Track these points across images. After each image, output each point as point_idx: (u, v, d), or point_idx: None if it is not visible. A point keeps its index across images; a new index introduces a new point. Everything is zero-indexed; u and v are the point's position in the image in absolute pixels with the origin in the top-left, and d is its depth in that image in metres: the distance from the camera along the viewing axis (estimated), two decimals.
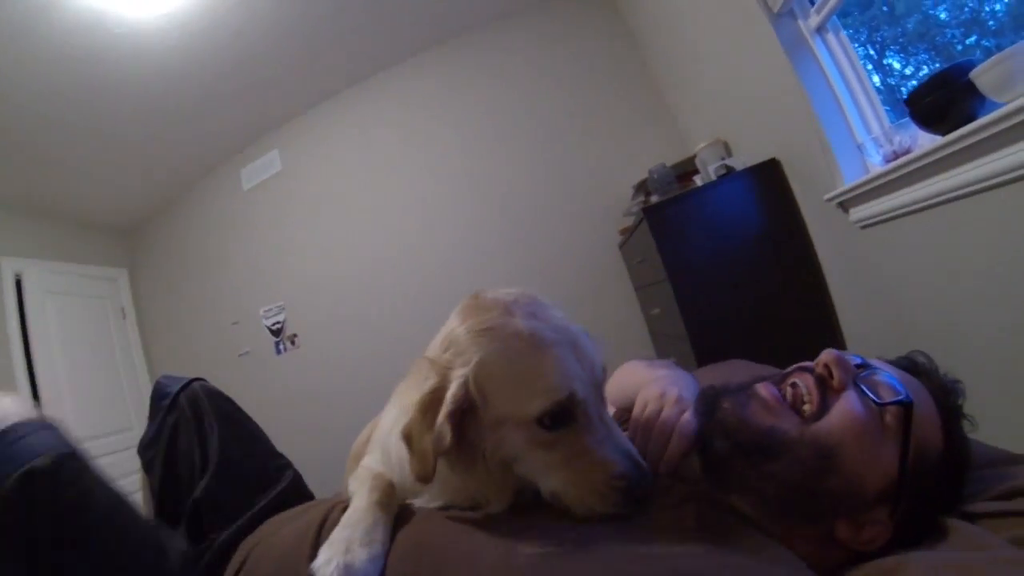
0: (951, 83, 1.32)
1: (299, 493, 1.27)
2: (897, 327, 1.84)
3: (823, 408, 0.69)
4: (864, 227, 1.82)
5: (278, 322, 4.45)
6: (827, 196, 1.91)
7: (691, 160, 2.86)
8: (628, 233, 3.06)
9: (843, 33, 1.89)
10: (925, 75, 1.88)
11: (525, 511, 0.73)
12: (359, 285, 4.20)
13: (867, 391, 0.68)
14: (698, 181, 2.66)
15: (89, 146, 3.75)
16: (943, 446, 0.67)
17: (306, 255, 4.37)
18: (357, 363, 4.14)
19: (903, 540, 0.64)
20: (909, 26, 1.94)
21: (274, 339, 4.46)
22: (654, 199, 2.74)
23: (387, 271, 4.12)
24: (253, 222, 4.55)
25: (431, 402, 0.71)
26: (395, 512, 0.79)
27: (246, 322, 4.55)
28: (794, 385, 0.73)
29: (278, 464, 1.32)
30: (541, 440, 0.69)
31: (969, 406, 0.72)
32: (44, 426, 1.02)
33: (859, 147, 1.83)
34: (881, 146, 1.65)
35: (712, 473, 0.74)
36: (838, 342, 2.19)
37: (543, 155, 3.83)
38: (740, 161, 2.47)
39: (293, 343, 4.40)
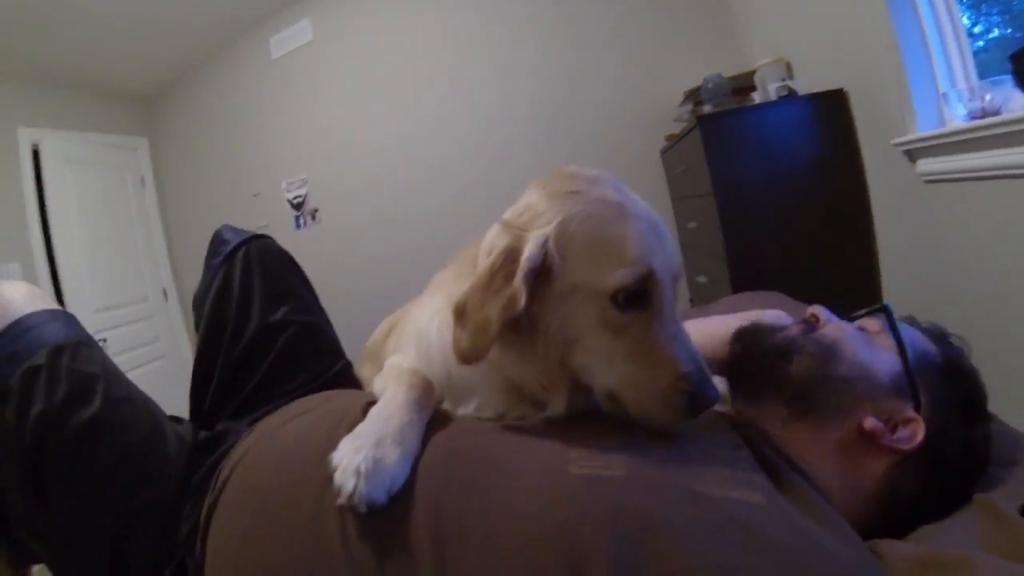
0: None
1: (347, 384, 1.16)
2: (939, 292, 1.86)
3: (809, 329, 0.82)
4: (929, 182, 1.80)
5: (300, 196, 4.41)
6: (895, 141, 1.87)
7: (749, 75, 2.74)
8: (675, 140, 2.96)
9: None
10: (993, 38, 1.85)
11: (572, 422, 0.68)
12: (385, 164, 4.10)
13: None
14: (756, 98, 2.60)
15: (108, 9, 3.52)
16: (940, 351, 0.77)
17: (333, 129, 4.24)
18: (378, 244, 4.16)
19: (952, 493, 0.69)
20: None
21: (294, 213, 4.44)
22: (706, 109, 2.66)
23: (415, 153, 4.02)
24: (280, 92, 4.38)
25: (503, 263, 0.65)
26: (430, 416, 0.73)
27: (267, 194, 4.52)
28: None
29: (332, 348, 1.22)
30: (611, 321, 0.64)
31: (1007, 394, 0.80)
32: (54, 316, 0.99)
33: (942, 96, 1.77)
34: (968, 100, 1.61)
35: (741, 386, 0.83)
36: (875, 291, 2.23)
37: (590, 48, 3.61)
38: (803, 85, 2.40)
39: (314, 218, 4.39)
